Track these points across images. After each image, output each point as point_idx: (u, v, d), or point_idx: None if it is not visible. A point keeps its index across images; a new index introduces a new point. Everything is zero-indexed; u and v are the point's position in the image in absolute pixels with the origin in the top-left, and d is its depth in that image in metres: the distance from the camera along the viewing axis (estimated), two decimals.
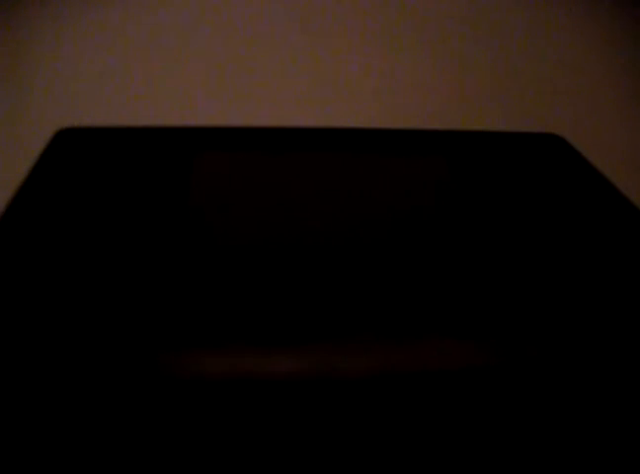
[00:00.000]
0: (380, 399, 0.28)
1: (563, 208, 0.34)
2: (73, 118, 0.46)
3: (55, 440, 0.27)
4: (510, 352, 0.28)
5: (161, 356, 0.27)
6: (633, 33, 0.52)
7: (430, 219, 0.34)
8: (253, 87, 0.53)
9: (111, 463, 0.28)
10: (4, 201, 0.40)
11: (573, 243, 0.32)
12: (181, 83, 0.53)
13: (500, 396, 0.28)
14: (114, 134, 0.40)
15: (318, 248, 0.32)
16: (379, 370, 0.28)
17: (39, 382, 0.26)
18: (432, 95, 0.52)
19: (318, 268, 0.31)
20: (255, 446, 0.29)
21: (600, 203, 0.35)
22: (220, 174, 0.37)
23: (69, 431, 0.27)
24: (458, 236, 0.32)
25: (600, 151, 0.49)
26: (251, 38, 0.53)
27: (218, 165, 0.38)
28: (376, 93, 0.52)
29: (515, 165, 0.38)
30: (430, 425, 0.28)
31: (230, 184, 0.36)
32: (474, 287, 0.30)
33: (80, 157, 0.38)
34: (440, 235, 0.33)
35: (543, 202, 0.35)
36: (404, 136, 0.40)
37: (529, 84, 0.53)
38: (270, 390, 0.28)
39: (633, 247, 0.32)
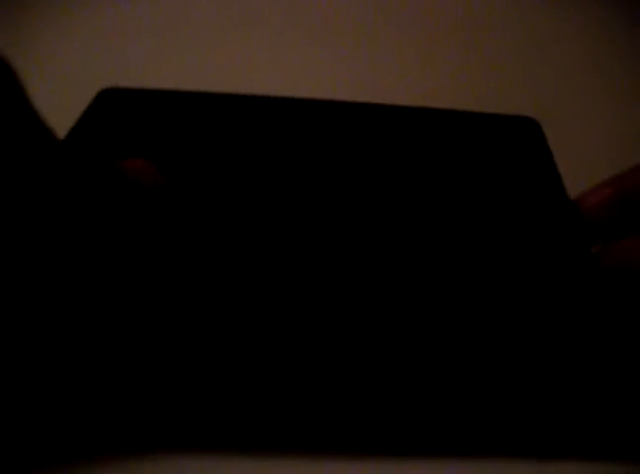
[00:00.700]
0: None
1: (499, 190, 0.37)
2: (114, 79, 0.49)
3: None
4: None
5: None
6: (617, 20, 0.53)
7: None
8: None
9: None
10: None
11: (494, 228, 0.34)
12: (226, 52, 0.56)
13: None
14: (151, 96, 0.43)
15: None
16: None
17: None
18: (418, 74, 0.54)
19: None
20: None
21: (536, 190, 0.37)
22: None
23: None
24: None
25: (575, 138, 0.49)
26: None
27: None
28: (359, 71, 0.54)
29: (476, 145, 0.40)
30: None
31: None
32: None
33: (120, 116, 0.41)
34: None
35: (482, 183, 0.37)
36: (383, 111, 0.42)
37: (518, 69, 0.54)
38: None
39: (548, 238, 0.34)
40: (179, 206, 0.35)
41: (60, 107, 0.41)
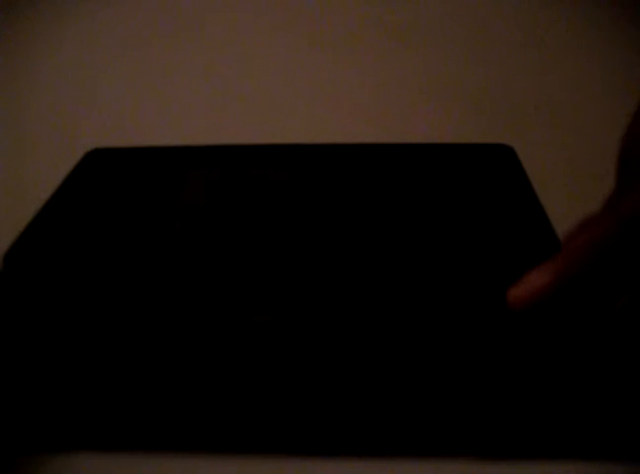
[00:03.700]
0: None
1: (480, 210, 0.38)
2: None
3: None
4: None
5: None
6: (593, 39, 0.55)
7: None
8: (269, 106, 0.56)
9: None
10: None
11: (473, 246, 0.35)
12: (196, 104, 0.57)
13: None
14: (133, 154, 0.44)
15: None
16: None
17: None
18: (394, 109, 0.56)
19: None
20: None
21: (515, 212, 0.38)
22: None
23: None
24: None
25: (550, 162, 0.51)
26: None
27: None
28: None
29: (457, 174, 0.42)
30: None
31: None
32: None
33: (107, 177, 0.42)
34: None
35: (465, 206, 0.39)
36: (360, 150, 0.44)
37: (490, 98, 0.56)
38: None
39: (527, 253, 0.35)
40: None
41: (47, 166, 0.42)
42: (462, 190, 0.40)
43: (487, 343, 0.33)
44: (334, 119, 0.56)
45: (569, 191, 0.51)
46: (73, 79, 0.56)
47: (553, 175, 0.51)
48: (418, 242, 0.35)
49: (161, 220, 0.37)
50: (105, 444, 0.33)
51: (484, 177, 0.41)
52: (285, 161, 0.43)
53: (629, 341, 0.33)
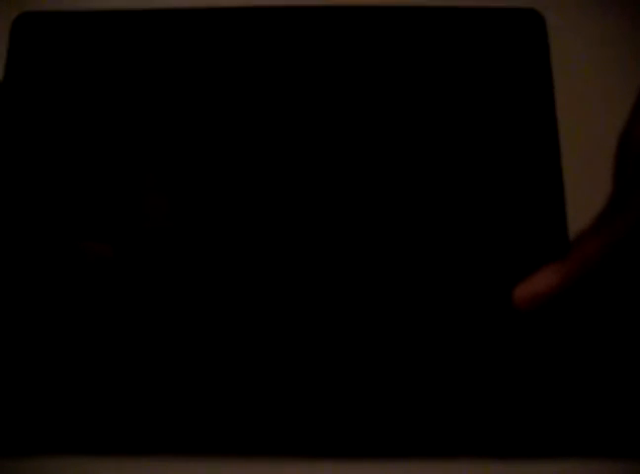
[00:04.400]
0: None
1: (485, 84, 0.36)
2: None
3: None
4: None
5: None
6: None
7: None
8: None
9: None
10: None
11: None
12: None
13: None
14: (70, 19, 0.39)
15: None
16: None
17: None
18: None
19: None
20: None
21: (520, 85, 0.36)
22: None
23: None
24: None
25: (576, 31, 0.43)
26: None
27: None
28: None
29: (476, 42, 0.37)
30: None
31: None
32: None
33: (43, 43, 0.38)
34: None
35: (471, 78, 0.37)
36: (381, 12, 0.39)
37: None
38: None
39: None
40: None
41: None
42: (472, 84, 0.37)
43: (487, 342, 0.33)
44: None
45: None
46: None
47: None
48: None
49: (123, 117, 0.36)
50: (100, 448, 0.33)
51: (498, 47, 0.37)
52: (270, 28, 0.38)
53: (629, 341, 0.33)
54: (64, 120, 0.36)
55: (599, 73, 0.39)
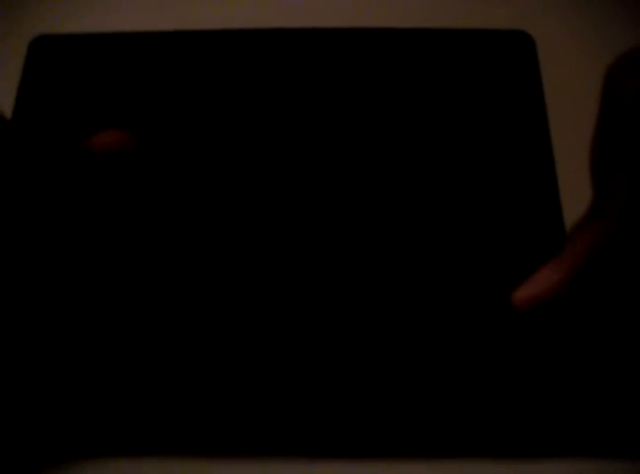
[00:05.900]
0: None
1: (479, 103, 0.38)
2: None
3: None
4: None
5: None
6: None
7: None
8: None
9: None
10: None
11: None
12: None
13: None
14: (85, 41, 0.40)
15: None
16: None
17: None
18: None
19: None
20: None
21: (514, 102, 0.37)
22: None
23: None
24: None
25: (566, 52, 0.44)
26: None
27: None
28: None
29: (466, 62, 0.39)
30: None
31: None
32: None
33: (63, 68, 0.39)
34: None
35: (465, 96, 0.38)
36: (376, 35, 0.40)
37: None
38: None
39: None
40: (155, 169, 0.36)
41: None
42: (468, 99, 0.37)
43: (487, 342, 0.33)
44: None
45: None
46: None
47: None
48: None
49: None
50: (100, 448, 0.32)
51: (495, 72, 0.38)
52: (270, 50, 0.39)
53: (629, 341, 0.33)
54: (79, 142, 0.37)
55: (588, 92, 0.41)
